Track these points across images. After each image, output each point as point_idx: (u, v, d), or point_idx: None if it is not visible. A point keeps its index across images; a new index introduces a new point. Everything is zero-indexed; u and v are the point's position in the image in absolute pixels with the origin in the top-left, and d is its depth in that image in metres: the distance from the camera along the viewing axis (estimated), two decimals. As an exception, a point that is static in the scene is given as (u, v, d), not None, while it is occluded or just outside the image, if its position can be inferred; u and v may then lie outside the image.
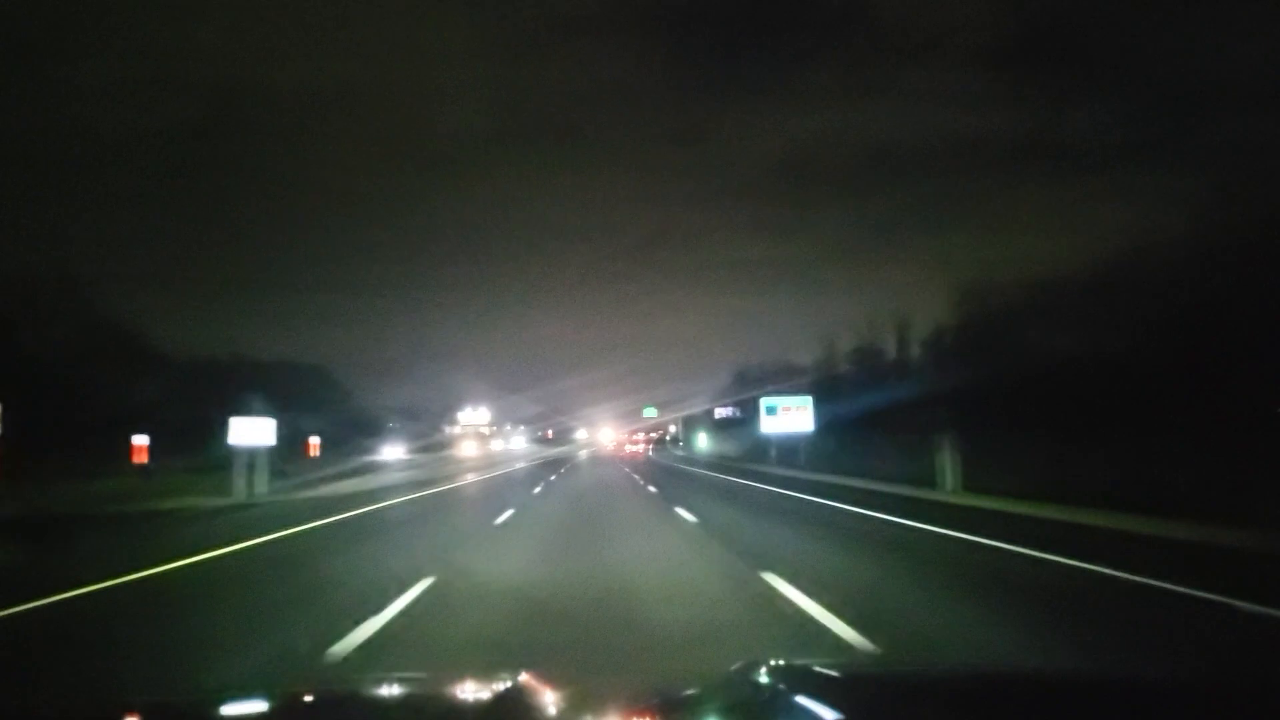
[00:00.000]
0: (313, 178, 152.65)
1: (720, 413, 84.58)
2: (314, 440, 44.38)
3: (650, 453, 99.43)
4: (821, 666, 3.19)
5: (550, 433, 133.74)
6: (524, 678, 2.96)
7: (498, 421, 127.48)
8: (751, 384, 64.71)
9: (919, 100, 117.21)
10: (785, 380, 60.02)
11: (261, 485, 27.29)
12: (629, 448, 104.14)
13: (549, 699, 2.72)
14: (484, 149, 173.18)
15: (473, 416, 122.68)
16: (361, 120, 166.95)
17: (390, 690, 3.13)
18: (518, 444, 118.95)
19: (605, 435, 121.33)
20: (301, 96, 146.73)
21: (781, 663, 3.30)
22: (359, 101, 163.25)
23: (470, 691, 2.96)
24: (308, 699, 2.95)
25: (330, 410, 63.21)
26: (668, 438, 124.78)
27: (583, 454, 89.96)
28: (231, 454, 27.05)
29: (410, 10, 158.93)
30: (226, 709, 2.81)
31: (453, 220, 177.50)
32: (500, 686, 2.95)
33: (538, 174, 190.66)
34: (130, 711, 2.66)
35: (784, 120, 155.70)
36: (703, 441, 75.60)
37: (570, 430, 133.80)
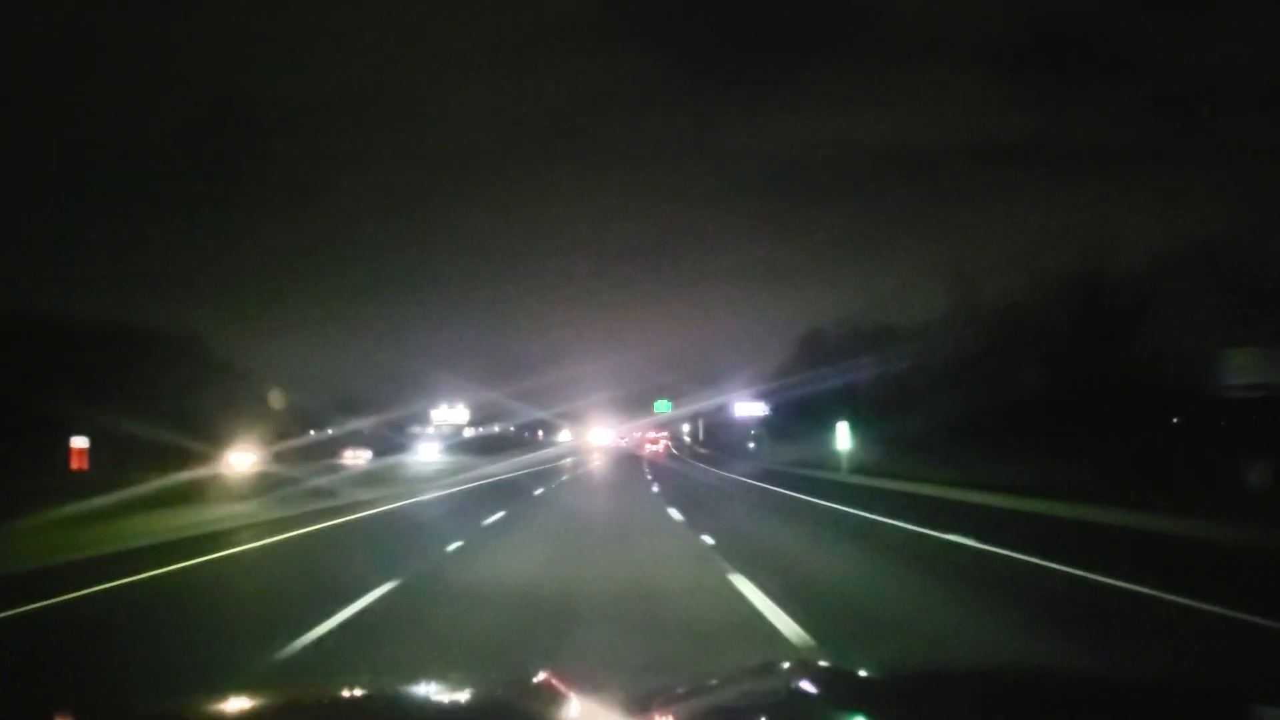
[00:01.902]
0: (313, 182, 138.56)
1: (744, 410, 64.57)
2: (79, 443, 24.43)
3: (673, 449, 78.51)
4: (837, 665, 3.43)
5: (541, 433, 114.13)
6: (541, 677, 3.00)
7: (482, 421, 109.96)
8: (828, 355, 45.05)
9: (921, 102, 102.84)
10: (883, 348, 40.27)
11: None
12: (650, 447, 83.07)
13: (568, 698, 2.68)
14: (487, 153, 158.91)
15: (449, 414, 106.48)
16: (363, 125, 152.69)
17: (405, 692, 3.04)
18: (427, 452, 69.65)
19: (600, 436, 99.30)
20: (302, 103, 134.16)
21: (799, 662, 3.67)
22: (360, 106, 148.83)
23: (487, 692, 2.88)
24: (326, 700, 2.86)
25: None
26: (686, 436, 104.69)
27: (567, 463, 57.59)
28: None
29: (413, 16, 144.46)
30: (256, 706, 2.74)
31: (455, 224, 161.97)
32: (518, 687, 2.92)
33: (542, 178, 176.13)
34: (130, 714, 2.63)
35: (789, 122, 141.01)
36: (843, 440, 38.26)
37: (555, 428, 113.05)
